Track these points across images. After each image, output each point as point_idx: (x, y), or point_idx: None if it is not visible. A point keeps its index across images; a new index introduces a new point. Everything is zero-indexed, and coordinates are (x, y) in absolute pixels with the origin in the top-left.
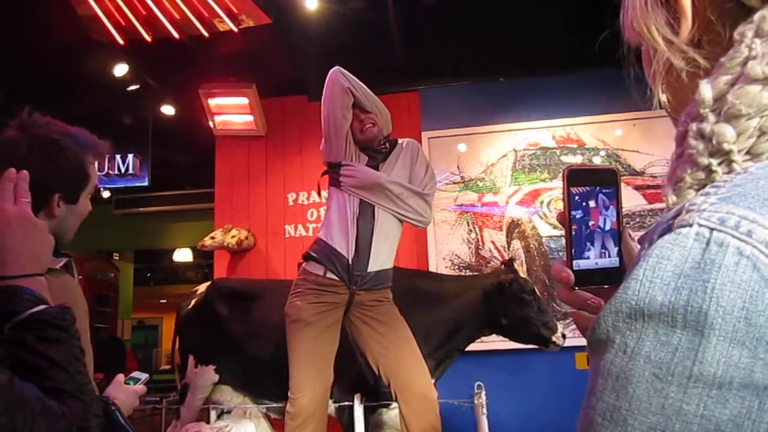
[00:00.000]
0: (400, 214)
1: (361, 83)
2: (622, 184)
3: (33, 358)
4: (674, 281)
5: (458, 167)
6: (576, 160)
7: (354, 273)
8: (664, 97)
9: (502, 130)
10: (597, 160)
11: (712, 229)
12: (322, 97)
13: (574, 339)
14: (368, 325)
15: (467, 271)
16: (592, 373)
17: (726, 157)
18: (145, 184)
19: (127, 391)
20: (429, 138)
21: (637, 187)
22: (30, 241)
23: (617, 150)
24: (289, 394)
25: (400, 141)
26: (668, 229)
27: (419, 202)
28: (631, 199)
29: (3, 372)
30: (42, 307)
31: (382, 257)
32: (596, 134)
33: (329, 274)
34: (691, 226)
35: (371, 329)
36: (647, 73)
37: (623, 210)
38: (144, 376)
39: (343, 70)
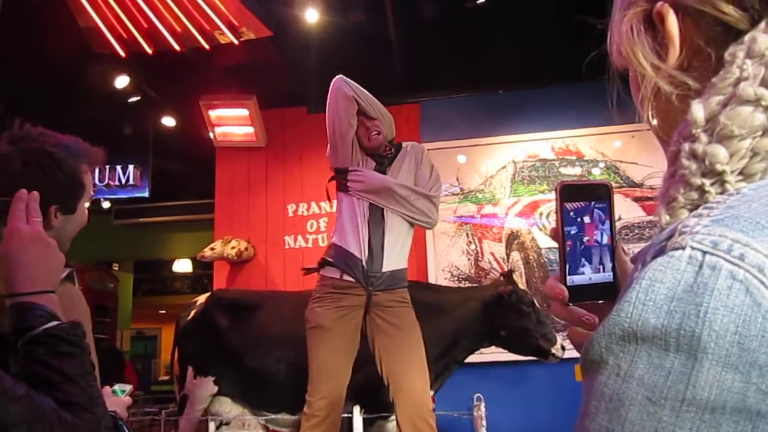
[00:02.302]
0: (408, 216)
1: (364, 90)
2: (622, 196)
3: (46, 372)
4: (667, 304)
5: (458, 179)
6: (575, 171)
7: (369, 274)
8: (655, 122)
9: (502, 142)
10: (596, 172)
11: (704, 252)
12: (327, 105)
13: (574, 351)
14: (380, 326)
15: (466, 282)
16: (586, 395)
17: (719, 178)
18: (146, 195)
19: (116, 402)
20: (428, 149)
21: (636, 199)
22: (42, 259)
23: (616, 162)
24: (306, 396)
25: (404, 145)
26: (661, 251)
27: (426, 204)
28: (630, 211)
29: (21, 384)
30: (54, 322)
31: (395, 257)
32: (595, 146)
33: (345, 277)
34: (683, 248)
35: (382, 331)
36: (635, 98)
37: (621, 222)
38: (128, 387)
39: (345, 78)
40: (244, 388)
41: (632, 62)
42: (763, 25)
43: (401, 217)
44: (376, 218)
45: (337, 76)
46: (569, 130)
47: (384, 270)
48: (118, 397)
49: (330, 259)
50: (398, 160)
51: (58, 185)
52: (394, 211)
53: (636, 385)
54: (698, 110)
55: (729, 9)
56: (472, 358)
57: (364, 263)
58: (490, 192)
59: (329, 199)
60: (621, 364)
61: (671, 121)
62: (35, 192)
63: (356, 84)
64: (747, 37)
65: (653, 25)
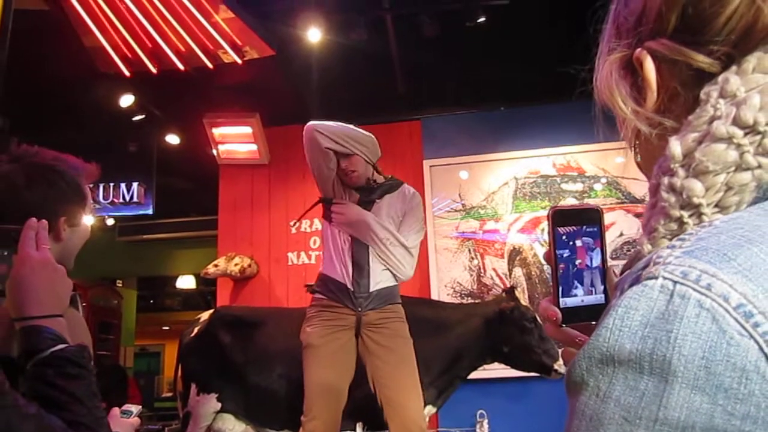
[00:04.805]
0: (381, 258)
1: (338, 127)
2: (623, 212)
3: (54, 393)
4: (641, 330)
5: (460, 195)
6: (576, 187)
7: (357, 295)
8: (638, 159)
9: (503, 158)
10: (597, 188)
11: (675, 282)
12: (304, 148)
13: None
14: (370, 348)
15: (469, 298)
16: (569, 414)
17: (696, 210)
18: (150, 212)
19: (123, 424)
20: (431, 166)
21: (637, 215)
22: (51, 284)
23: (617, 178)
24: (301, 418)
25: (404, 188)
26: (637, 280)
27: (403, 254)
28: (631, 227)
29: (32, 404)
30: (62, 345)
31: (380, 275)
32: (596, 162)
33: (333, 302)
34: (656, 278)
35: (372, 352)
36: (621, 134)
37: (622, 237)
38: (137, 408)
39: (318, 126)
40: (248, 405)
41: (613, 107)
42: (735, 67)
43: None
44: (359, 240)
45: (308, 125)
46: (570, 147)
47: (372, 289)
48: (127, 419)
49: (317, 288)
50: (389, 198)
51: (64, 197)
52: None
53: (613, 406)
54: (676, 146)
55: (701, 57)
56: (475, 375)
57: (349, 285)
58: (492, 208)
59: (300, 219)
60: (600, 385)
61: (652, 157)
62: (44, 220)
63: (329, 126)
64: (720, 78)
65: (633, 69)
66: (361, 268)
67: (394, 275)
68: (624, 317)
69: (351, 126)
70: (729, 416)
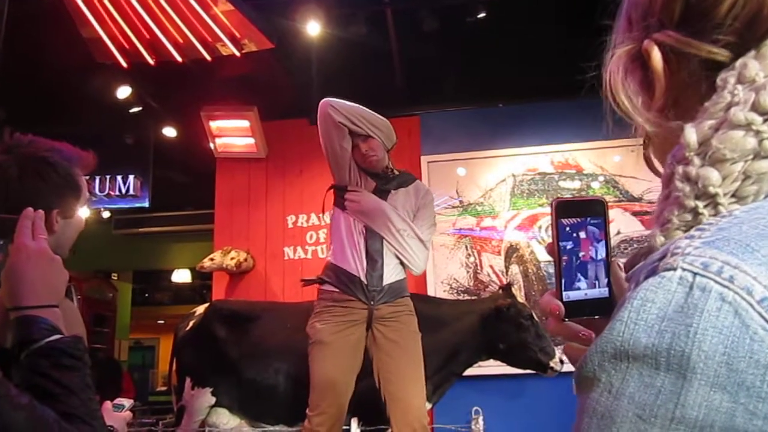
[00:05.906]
0: (396, 249)
1: (354, 107)
2: (621, 210)
3: (48, 384)
4: (658, 324)
5: (457, 191)
6: (574, 185)
7: (370, 289)
8: (650, 149)
9: (501, 155)
10: (595, 186)
11: (695, 274)
12: (318, 128)
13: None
14: (380, 343)
15: (465, 295)
16: (579, 411)
17: (712, 200)
18: (146, 205)
19: (116, 418)
20: (428, 162)
21: (635, 213)
22: (47, 274)
23: (615, 176)
24: (306, 411)
25: (418, 183)
26: (653, 272)
27: (419, 246)
28: (629, 225)
29: (24, 394)
30: (57, 336)
31: (393, 268)
32: (594, 160)
33: (344, 295)
34: (675, 269)
35: (381, 347)
36: (633, 127)
37: (620, 236)
38: (129, 402)
39: (333, 102)
40: (242, 399)
41: (617, 104)
42: (753, 52)
43: (392, 249)
44: (374, 231)
45: (323, 101)
46: (568, 144)
47: (385, 283)
48: (119, 412)
49: (327, 279)
50: (404, 191)
51: (56, 189)
52: (386, 241)
53: (627, 403)
54: (691, 134)
55: (707, 47)
56: (470, 371)
57: (362, 278)
58: (490, 205)
59: (323, 210)
60: (613, 381)
61: (665, 148)
62: (41, 210)
63: (344, 104)
64: (738, 63)
65: (642, 62)
66: (374, 260)
67: (407, 268)
68: (640, 310)
69: (366, 108)
70: (751, 416)
